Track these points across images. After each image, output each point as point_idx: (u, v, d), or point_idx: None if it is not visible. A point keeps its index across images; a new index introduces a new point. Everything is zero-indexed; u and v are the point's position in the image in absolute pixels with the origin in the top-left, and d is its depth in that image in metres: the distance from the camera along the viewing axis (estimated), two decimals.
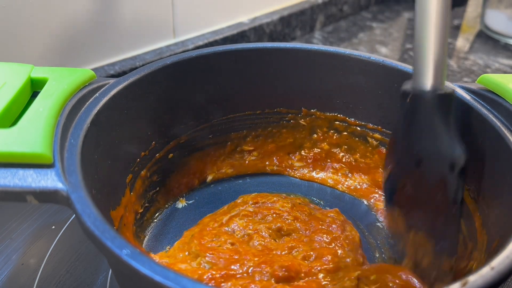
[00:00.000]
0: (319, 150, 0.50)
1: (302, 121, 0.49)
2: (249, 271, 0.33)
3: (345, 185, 0.49)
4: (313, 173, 0.50)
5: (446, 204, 0.33)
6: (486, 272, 0.24)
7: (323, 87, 0.47)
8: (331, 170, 0.50)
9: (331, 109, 0.48)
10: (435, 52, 0.31)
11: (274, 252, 0.35)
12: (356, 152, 0.49)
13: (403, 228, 0.35)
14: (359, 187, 0.48)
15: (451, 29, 0.92)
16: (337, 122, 0.49)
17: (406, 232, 0.34)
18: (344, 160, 0.49)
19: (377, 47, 0.84)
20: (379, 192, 0.47)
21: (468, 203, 0.38)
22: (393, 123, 0.46)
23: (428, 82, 0.31)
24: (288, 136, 0.50)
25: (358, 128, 0.48)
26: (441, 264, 0.33)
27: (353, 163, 0.49)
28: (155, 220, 0.43)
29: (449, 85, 0.37)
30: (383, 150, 0.47)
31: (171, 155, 0.45)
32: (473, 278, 0.24)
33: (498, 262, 0.25)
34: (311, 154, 0.50)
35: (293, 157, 0.51)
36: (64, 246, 0.42)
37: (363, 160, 0.49)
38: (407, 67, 0.42)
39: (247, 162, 0.50)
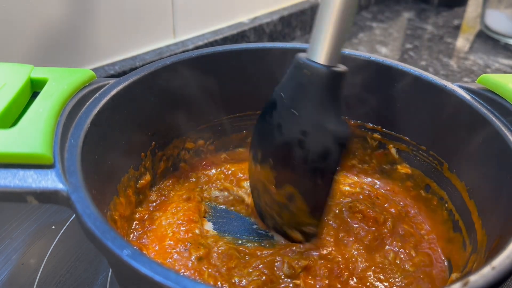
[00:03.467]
0: None
1: None
2: None
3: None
4: None
5: (324, 172, 0.34)
6: (487, 272, 0.24)
7: None
8: None
9: None
10: (334, 30, 0.30)
11: None
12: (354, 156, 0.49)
13: (269, 181, 0.35)
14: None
15: (452, 29, 0.92)
16: None
17: (273, 186, 0.35)
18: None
19: (377, 47, 0.84)
20: None
21: (468, 203, 0.38)
22: (394, 123, 0.46)
23: (322, 58, 0.31)
24: None
25: (358, 128, 0.48)
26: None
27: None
28: None
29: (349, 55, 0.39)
30: (381, 153, 0.48)
31: (171, 155, 0.45)
32: (474, 278, 0.24)
33: (499, 262, 0.25)
34: None
35: None
36: (64, 246, 0.42)
37: (360, 166, 0.49)
38: (407, 67, 0.42)
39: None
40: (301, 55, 0.32)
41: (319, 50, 0.31)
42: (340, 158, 0.34)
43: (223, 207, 0.44)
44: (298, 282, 0.36)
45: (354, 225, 0.41)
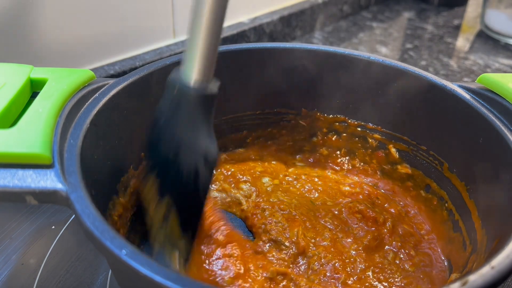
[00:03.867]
0: (318, 154, 0.50)
1: (302, 122, 0.49)
2: None
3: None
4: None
5: (196, 192, 0.35)
6: (486, 271, 0.24)
7: (323, 87, 0.47)
8: (331, 171, 0.50)
9: (331, 109, 0.48)
10: (203, 50, 0.30)
11: None
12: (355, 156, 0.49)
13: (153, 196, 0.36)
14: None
15: (452, 29, 0.92)
16: (337, 124, 0.49)
17: (156, 200, 0.36)
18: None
19: (377, 47, 0.84)
20: None
21: (468, 203, 0.38)
22: (394, 123, 0.46)
23: (192, 78, 0.31)
24: (288, 139, 0.50)
25: (358, 129, 0.48)
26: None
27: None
28: None
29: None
30: (381, 153, 0.48)
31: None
32: (473, 278, 0.24)
33: (498, 262, 0.25)
34: (310, 159, 0.51)
35: (297, 156, 0.51)
36: (64, 246, 0.42)
37: (361, 166, 0.49)
38: (407, 67, 0.42)
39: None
40: (174, 73, 0.32)
41: (188, 70, 0.31)
42: (209, 178, 0.35)
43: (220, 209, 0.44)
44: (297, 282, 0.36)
45: (354, 225, 0.41)
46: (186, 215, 0.36)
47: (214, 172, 0.35)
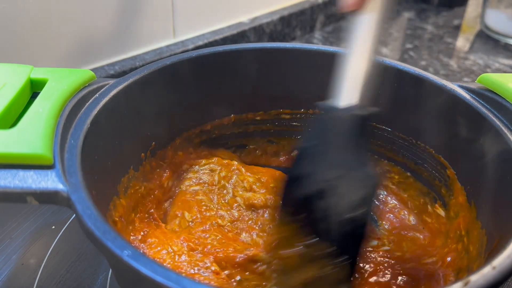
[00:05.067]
0: None
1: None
2: None
3: None
4: None
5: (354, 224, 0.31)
6: (488, 271, 0.24)
7: (323, 87, 0.47)
8: None
9: None
10: (355, 73, 0.30)
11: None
12: None
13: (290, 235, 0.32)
14: None
15: (452, 29, 0.92)
16: None
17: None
18: None
19: None
20: None
21: (467, 203, 0.38)
22: (393, 122, 0.46)
23: (343, 100, 0.30)
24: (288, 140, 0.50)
25: None
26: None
27: None
28: None
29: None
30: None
31: (170, 155, 0.45)
32: (474, 278, 0.24)
33: (499, 262, 0.25)
34: None
35: None
36: (64, 246, 0.42)
37: None
38: (407, 67, 0.42)
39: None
40: (325, 102, 0.31)
41: (340, 94, 0.30)
42: (370, 207, 0.31)
43: None
44: None
45: None
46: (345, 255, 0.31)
47: (372, 202, 0.31)
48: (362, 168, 0.30)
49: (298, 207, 0.31)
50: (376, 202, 0.39)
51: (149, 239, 0.38)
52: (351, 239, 0.31)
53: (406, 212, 0.44)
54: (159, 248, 0.37)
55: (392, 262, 0.37)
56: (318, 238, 0.31)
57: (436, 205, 0.43)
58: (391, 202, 0.45)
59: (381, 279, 0.36)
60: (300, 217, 0.31)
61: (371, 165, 0.31)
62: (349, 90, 0.30)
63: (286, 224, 0.32)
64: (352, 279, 0.33)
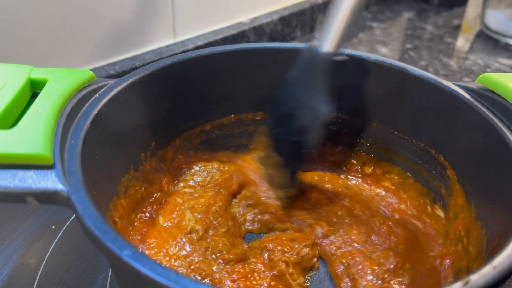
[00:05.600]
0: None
1: None
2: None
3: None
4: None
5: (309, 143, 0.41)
6: (488, 271, 0.24)
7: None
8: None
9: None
10: (338, 26, 0.38)
11: None
12: None
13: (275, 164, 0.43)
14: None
15: (452, 29, 0.92)
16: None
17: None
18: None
19: (377, 47, 0.84)
20: None
21: (467, 204, 0.38)
22: (393, 122, 0.46)
23: (325, 47, 0.38)
24: None
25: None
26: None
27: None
28: None
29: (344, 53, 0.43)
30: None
31: (170, 156, 0.45)
32: (474, 278, 0.24)
33: (500, 261, 0.25)
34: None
35: None
36: (64, 246, 0.42)
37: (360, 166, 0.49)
38: (407, 67, 0.42)
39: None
40: (311, 44, 0.39)
41: (324, 41, 0.38)
42: (319, 134, 0.40)
43: None
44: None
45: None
46: (291, 165, 0.43)
47: (323, 130, 0.39)
48: (318, 103, 0.38)
49: (273, 125, 0.43)
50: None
51: (149, 239, 0.38)
52: (297, 157, 0.42)
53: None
54: (156, 250, 0.37)
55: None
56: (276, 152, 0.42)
57: (436, 206, 0.43)
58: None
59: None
60: (273, 131, 0.42)
61: (327, 104, 0.38)
62: (330, 40, 0.38)
63: (267, 136, 0.43)
64: (293, 184, 0.45)
